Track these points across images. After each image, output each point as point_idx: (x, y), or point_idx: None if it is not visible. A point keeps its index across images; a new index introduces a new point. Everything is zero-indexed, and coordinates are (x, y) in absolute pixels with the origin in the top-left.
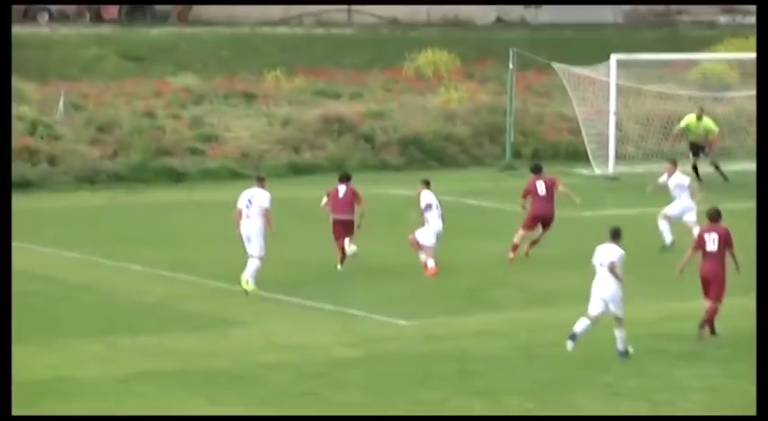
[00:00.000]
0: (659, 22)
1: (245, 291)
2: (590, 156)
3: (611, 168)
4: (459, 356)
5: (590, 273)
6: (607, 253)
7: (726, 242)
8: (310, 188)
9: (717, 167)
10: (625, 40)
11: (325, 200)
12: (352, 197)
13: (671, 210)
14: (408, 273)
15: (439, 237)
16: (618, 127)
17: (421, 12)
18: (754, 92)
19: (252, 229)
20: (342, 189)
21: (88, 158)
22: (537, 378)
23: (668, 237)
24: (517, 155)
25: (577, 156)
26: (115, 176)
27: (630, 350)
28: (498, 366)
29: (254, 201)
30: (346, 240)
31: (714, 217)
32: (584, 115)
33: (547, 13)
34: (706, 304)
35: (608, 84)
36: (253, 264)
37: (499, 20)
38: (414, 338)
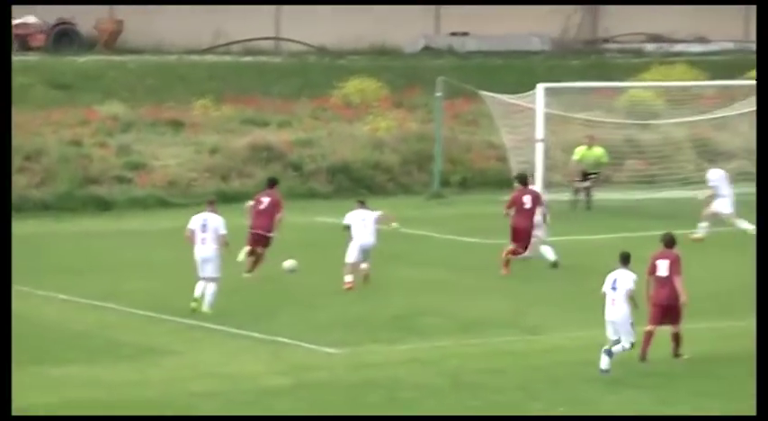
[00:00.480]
0: (586, 50)
1: (194, 310)
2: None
3: None
4: (389, 384)
5: (517, 300)
6: (623, 279)
7: (674, 268)
8: (239, 216)
9: (588, 194)
10: (552, 68)
11: (250, 203)
12: (273, 211)
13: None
14: (336, 301)
15: (364, 249)
16: (545, 155)
17: (348, 39)
18: (680, 119)
19: (208, 253)
20: (265, 200)
21: (15, 187)
22: (467, 405)
23: (551, 257)
24: (445, 183)
25: (505, 183)
26: (42, 205)
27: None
28: (428, 394)
29: (208, 226)
30: (258, 255)
31: (668, 242)
32: (512, 143)
33: (474, 41)
34: (647, 328)
35: (535, 111)
36: (210, 289)
37: (427, 48)
38: (343, 366)
